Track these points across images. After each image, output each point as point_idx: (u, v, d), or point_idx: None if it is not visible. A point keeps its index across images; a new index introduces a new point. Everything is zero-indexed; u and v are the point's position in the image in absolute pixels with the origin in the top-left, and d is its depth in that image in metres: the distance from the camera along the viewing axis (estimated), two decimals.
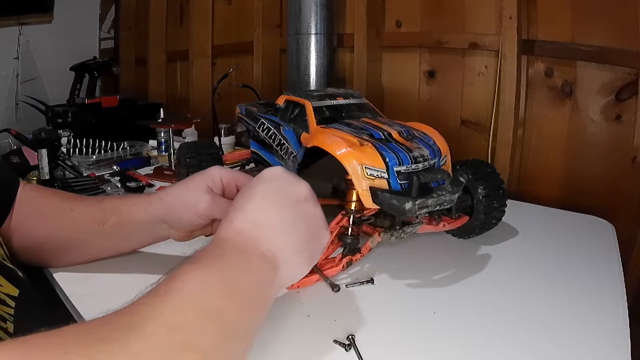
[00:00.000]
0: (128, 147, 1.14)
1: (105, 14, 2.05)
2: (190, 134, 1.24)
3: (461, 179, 0.54)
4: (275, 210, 0.40)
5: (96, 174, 1.00)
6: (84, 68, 1.67)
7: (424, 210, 0.48)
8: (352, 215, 0.53)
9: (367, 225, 0.56)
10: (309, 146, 0.56)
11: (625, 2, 0.81)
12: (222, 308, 0.31)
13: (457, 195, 0.51)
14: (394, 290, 0.52)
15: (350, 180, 0.50)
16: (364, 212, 0.53)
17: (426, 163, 0.51)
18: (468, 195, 0.61)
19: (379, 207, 0.50)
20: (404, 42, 1.13)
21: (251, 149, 0.78)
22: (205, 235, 0.55)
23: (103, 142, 1.12)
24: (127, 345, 0.26)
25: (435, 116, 1.08)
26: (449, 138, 0.57)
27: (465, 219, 0.61)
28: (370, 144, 0.50)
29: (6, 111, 1.74)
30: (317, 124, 0.59)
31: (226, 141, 1.14)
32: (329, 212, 0.44)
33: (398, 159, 0.49)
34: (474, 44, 0.99)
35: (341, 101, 0.64)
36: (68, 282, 0.52)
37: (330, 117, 0.61)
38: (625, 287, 0.53)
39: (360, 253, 0.54)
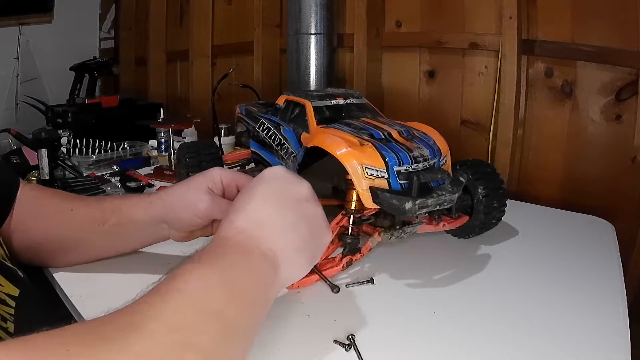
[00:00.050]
0: (128, 147, 1.14)
1: (105, 14, 2.05)
2: (190, 134, 1.24)
3: (461, 179, 0.54)
4: (276, 210, 0.40)
5: (96, 174, 1.00)
6: (84, 68, 1.67)
7: (424, 210, 0.48)
8: (352, 215, 0.53)
9: (367, 225, 0.56)
10: (309, 146, 0.56)
11: (625, 2, 0.81)
12: (223, 307, 0.31)
13: (457, 195, 0.51)
14: (394, 290, 0.52)
15: (351, 180, 0.50)
16: (364, 212, 0.54)
17: (426, 163, 0.51)
18: (468, 195, 0.61)
19: (379, 207, 0.50)
20: (404, 42, 1.13)
21: (251, 149, 0.78)
22: (206, 236, 0.55)
23: (103, 142, 1.12)
24: (129, 345, 0.26)
25: (435, 116, 1.08)
26: (449, 138, 0.57)
27: (465, 219, 0.61)
28: (370, 144, 0.50)
29: (6, 111, 1.74)
30: (317, 124, 0.59)
31: (226, 141, 1.14)
32: (329, 212, 0.44)
33: (398, 158, 0.49)
34: (474, 44, 0.99)
35: (341, 101, 0.64)
36: (68, 282, 0.52)
37: (330, 117, 0.61)
38: (625, 287, 0.53)
39: (360, 253, 0.54)
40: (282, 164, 0.65)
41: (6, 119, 1.70)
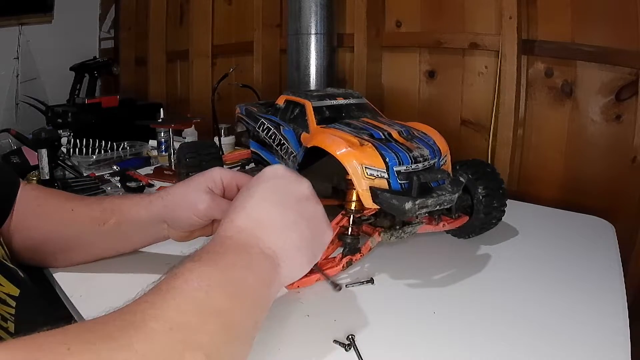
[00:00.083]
0: (128, 147, 1.14)
1: (105, 14, 2.05)
2: (190, 134, 1.24)
3: (461, 179, 0.54)
4: (277, 209, 0.40)
5: (96, 174, 1.00)
6: (84, 68, 1.67)
7: (424, 210, 0.48)
8: (352, 215, 0.53)
9: (367, 225, 0.56)
10: (309, 146, 0.56)
11: (625, 2, 0.81)
12: (224, 306, 0.32)
13: (457, 195, 0.51)
14: (394, 290, 0.52)
15: (350, 180, 0.50)
16: (364, 212, 0.54)
17: (426, 163, 0.51)
18: (468, 195, 0.61)
19: (379, 207, 0.50)
20: (404, 42, 1.13)
21: (251, 149, 0.78)
22: (206, 236, 0.55)
23: (103, 142, 1.12)
24: (130, 343, 0.26)
25: (435, 116, 1.08)
26: (449, 138, 0.57)
27: (465, 218, 0.61)
28: (370, 144, 0.50)
29: (6, 111, 1.74)
30: (317, 124, 0.59)
31: (226, 141, 1.14)
32: (329, 212, 0.44)
33: (398, 158, 0.49)
34: (474, 44, 0.99)
35: (341, 101, 0.64)
36: (68, 282, 0.52)
37: (330, 117, 0.61)
38: (625, 287, 0.53)
39: (360, 253, 0.54)
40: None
41: (6, 119, 1.70)
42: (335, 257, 0.54)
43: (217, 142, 0.93)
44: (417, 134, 0.56)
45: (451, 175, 0.53)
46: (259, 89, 1.20)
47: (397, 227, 0.55)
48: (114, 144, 1.13)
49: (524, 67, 0.94)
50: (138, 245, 0.57)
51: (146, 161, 1.12)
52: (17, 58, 1.75)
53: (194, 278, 0.32)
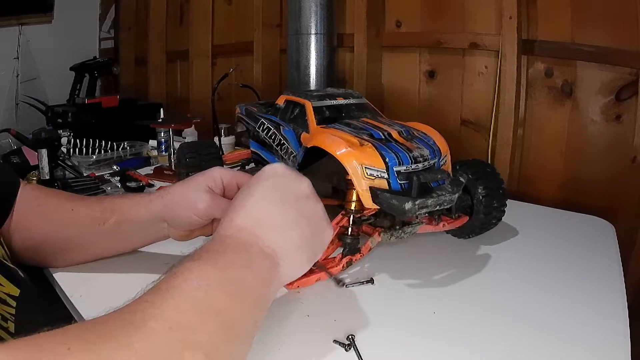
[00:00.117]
0: (128, 147, 1.14)
1: (105, 14, 2.05)
2: (190, 134, 1.24)
3: (461, 179, 0.54)
4: (276, 207, 0.40)
5: (96, 174, 1.00)
6: (84, 68, 1.67)
7: (424, 210, 0.48)
8: (352, 215, 0.53)
9: (367, 225, 0.56)
10: (309, 146, 0.56)
11: (625, 2, 0.81)
12: (223, 305, 0.32)
13: (457, 195, 0.51)
14: (394, 290, 0.52)
15: (350, 180, 0.50)
16: (364, 212, 0.54)
17: (426, 163, 0.51)
18: (468, 195, 0.61)
19: (379, 207, 0.50)
20: (404, 42, 1.13)
21: (251, 149, 0.78)
22: (205, 235, 0.55)
23: (103, 142, 1.12)
24: (130, 343, 0.26)
25: (435, 116, 1.08)
26: (449, 138, 0.57)
27: (465, 219, 0.61)
28: (370, 144, 0.50)
29: (6, 111, 1.74)
30: (317, 124, 0.59)
31: (226, 141, 1.14)
32: (329, 212, 0.44)
33: (398, 159, 0.49)
34: (474, 44, 0.99)
35: (341, 101, 0.64)
36: (68, 282, 0.52)
37: (330, 117, 0.61)
38: (625, 287, 0.53)
39: (360, 253, 0.54)
40: None
41: (6, 119, 1.70)
42: (335, 257, 0.54)
43: (217, 142, 0.93)
44: (417, 134, 0.56)
45: (451, 175, 0.53)
46: (259, 89, 1.20)
47: (397, 227, 0.55)
48: (114, 144, 1.13)
49: (524, 67, 0.94)
50: (138, 245, 0.57)
51: (146, 161, 1.12)
52: (17, 58, 1.75)
53: (194, 277, 0.32)
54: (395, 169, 0.49)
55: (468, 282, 0.54)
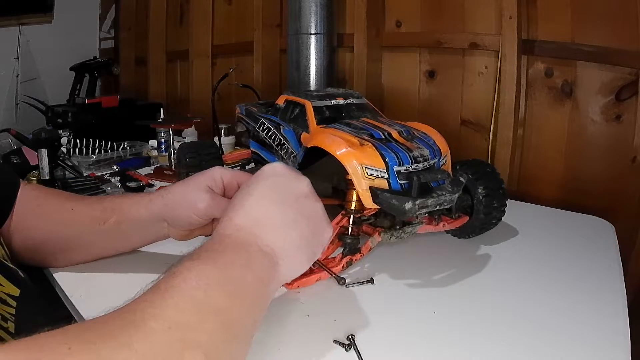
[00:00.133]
0: (128, 147, 1.14)
1: (105, 14, 2.05)
2: (190, 134, 1.24)
3: (461, 179, 0.54)
4: (275, 207, 0.40)
5: (96, 174, 1.00)
6: (84, 68, 1.67)
7: (424, 210, 0.48)
8: (352, 215, 0.53)
9: (367, 225, 0.56)
10: (309, 146, 0.56)
11: (625, 2, 0.81)
12: (222, 304, 0.32)
13: (457, 195, 0.51)
14: (394, 290, 0.52)
15: (350, 180, 0.50)
16: (364, 212, 0.54)
17: (426, 163, 0.52)
18: (468, 195, 0.61)
19: (379, 207, 0.50)
20: (404, 42, 1.13)
21: (251, 149, 0.78)
22: (206, 235, 0.55)
23: (103, 142, 1.12)
24: (130, 343, 0.26)
25: (435, 116, 1.08)
26: (449, 138, 0.57)
27: (465, 219, 0.61)
28: (370, 144, 0.50)
29: (6, 111, 1.74)
30: (317, 124, 0.59)
31: (226, 141, 1.14)
32: (329, 212, 0.44)
33: (398, 158, 0.49)
34: (474, 44, 0.99)
35: (341, 101, 0.64)
36: (68, 282, 0.52)
37: (330, 117, 0.61)
38: (625, 286, 0.53)
39: (360, 253, 0.54)
40: None
41: (6, 119, 1.70)
42: (335, 257, 0.54)
43: (217, 142, 0.93)
44: (417, 134, 0.56)
45: (451, 175, 0.53)
46: (259, 89, 1.20)
47: (397, 227, 0.55)
48: (114, 144, 1.13)
49: (524, 67, 0.94)
50: (138, 244, 0.57)
51: (146, 161, 1.12)
52: (17, 58, 1.75)
53: (193, 277, 0.32)
54: (395, 168, 0.49)
55: (468, 282, 0.54)
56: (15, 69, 1.74)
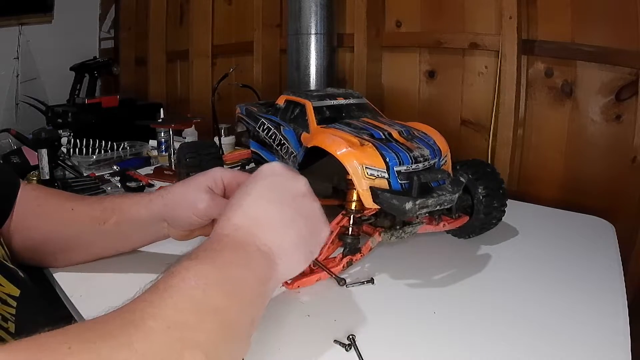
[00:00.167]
0: (128, 147, 1.14)
1: (105, 14, 2.05)
2: (190, 134, 1.24)
3: (461, 179, 0.54)
4: (273, 206, 0.40)
5: (96, 174, 1.00)
6: (84, 68, 1.67)
7: (424, 210, 0.48)
8: (352, 215, 0.53)
9: (368, 225, 0.56)
10: (309, 146, 0.56)
11: (625, 2, 0.81)
12: (221, 304, 0.32)
13: (457, 195, 0.51)
14: (394, 290, 0.52)
15: (351, 180, 0.50)
16: (364, 212, 0.54)
17: (426, 163, 0.52)
18: (468, 195, 0.61)
19: (379, 207, 0.50)
20: (404, 42, 1.13)
21: (251, 149, 0.78)
22: (205, 235, 0.55)
23: (103, 142, 1.12)
24: (130, 342, 0.26)
25: (435, 116, 1.08)
26: (449, 138, 0.57)
27: (465, 219, 0.61)
28: (370, 144, 0.50)
29: (6, 111, 1.74)
30: (318, 124, 0.59)
31: (226, 141, 1.14)
32: (330, 212, 0.44)
33: (398, 158, 0.49)
34: (474, 44, 0.99)
35: (341, 101, 0.64)
36: (68, 282, 0.52)
37: (330, 117, 0.61)
38: (625, 286, 0.53)
39: (360, 253, 0.54)
40: None
41: (6, 119, 1.70)
42: (335, 257, 0.54)
43: (217, 142, 0.93)
44: (417, 134, 0.56)
45: (451, 175, 0.53)
46: (259, 89, 1.20)
47: (398, 227, 0.55)
48: (114, 144, 1.13)
49: (524, 67, 0.94)
50: (138, 244, 0.57)
51: (146, 161, 1.12)
52: (17, 58, 1.75)
53: (191, 276, 0.32)
54: (395, 168, 0.49)
55: (468, 282, 0.54)
56: (15, 69, 1.74)
